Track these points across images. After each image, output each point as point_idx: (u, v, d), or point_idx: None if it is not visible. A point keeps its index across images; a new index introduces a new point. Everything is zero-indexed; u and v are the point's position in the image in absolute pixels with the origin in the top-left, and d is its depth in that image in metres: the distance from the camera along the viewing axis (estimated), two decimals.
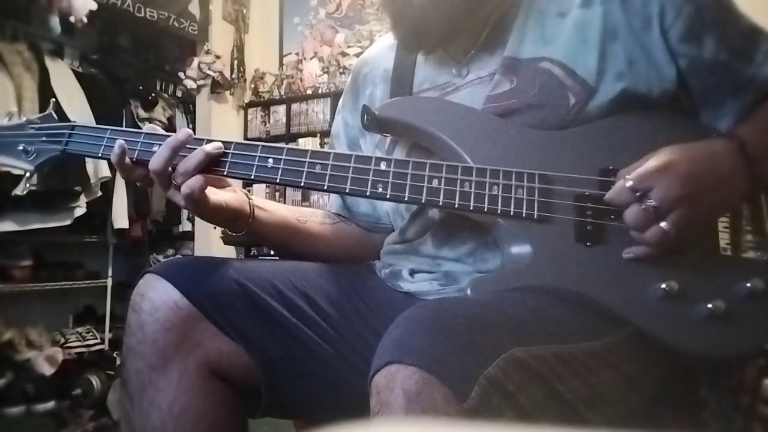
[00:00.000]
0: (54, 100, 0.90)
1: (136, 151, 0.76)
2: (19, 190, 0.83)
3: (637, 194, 0.63)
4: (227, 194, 0.79)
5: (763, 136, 0.69)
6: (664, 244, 0.63)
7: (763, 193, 0.71)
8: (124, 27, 3.19)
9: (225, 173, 0.75)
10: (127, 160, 0.76)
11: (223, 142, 0.76)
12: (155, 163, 0.73)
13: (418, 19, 0.75)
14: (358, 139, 0.95)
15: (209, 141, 0.75)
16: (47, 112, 0.85)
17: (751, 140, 0.67)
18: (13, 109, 0.87)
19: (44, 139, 0.82)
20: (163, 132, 0.78)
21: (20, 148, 0.82)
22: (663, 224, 0.62)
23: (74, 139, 0.81)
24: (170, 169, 0.73)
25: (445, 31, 0.76)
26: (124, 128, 0.80)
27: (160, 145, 0.74)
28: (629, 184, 0.63)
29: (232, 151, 0.75)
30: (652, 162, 0.63)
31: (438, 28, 0.76)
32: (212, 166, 0.75)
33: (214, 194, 0.76)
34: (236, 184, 0.84)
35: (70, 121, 0.84)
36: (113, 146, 0.75)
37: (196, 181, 0.71)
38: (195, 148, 0.74)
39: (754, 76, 0.72)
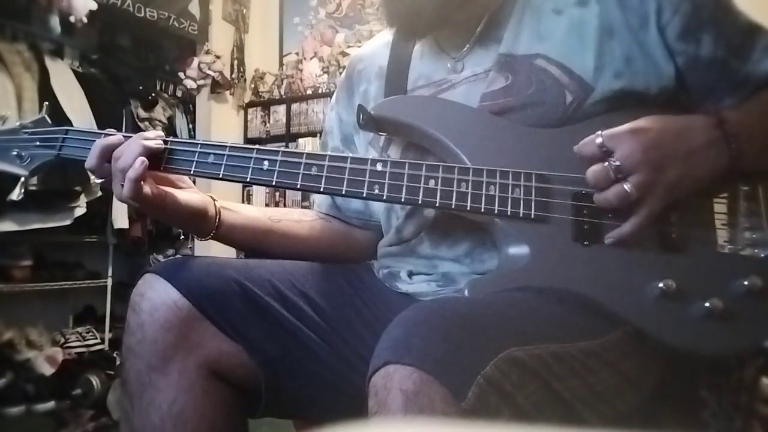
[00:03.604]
0: (47, 103, 0.90)
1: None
2: (15, 196, 0.82)
3: (603, 150, 0.64)
4: (187, 194, 0.78)
5: (745, 117, 0.69)
6: (623, 205, 0.64)
7: (761, 189, 0.71)
8: (124, 27, 3.18)
9: (221, 176, 0.75)
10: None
11: (218, 144, 0.76)
12: (88, 163, 0.75)
13: (412, 1, 0.75)
14: (353, 136, 0.95)
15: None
16: (40, 116, 0.84)
17: (732, 119, 0.67)
18: (6, 112, 0.86)
19: (38, 143, 0.81)
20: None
21: (14, 153, 0.81)
22: (625, 185, 0.63)
23: (68, 143, 0.80)
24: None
25: (438, 14, 0.76)
26: (118, 133, 0.79)
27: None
28: (598, 140, 0.64)
29: (227, 153, 0.75)
30: (626, 125, 0.64)
31: (431, 10, 0.76)
32: (205, 170, 0.75)
33: (172, 193, 0.75)
34: (235, 188, 0.84)
35: (70, 121, 0.84)
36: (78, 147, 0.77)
37: (133, 171, 0.70)
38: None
39: (751, 72, 0.72)
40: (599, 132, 0.65)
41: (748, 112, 0.70)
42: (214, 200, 0.82)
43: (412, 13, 0.77)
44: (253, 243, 0.87)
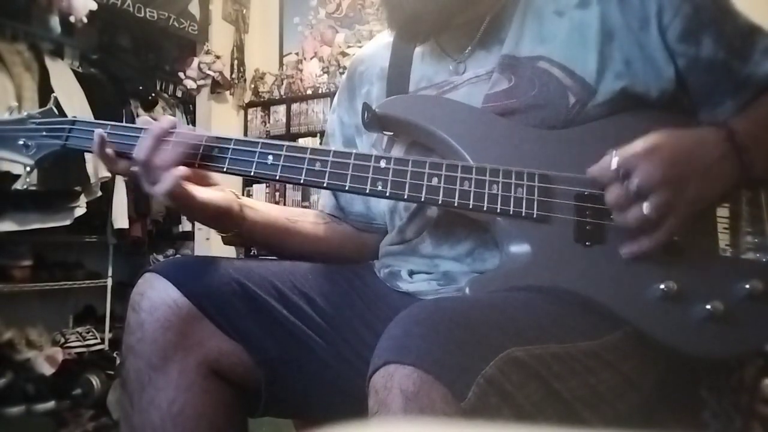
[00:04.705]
0: (54, 95, 0.90)
1: (130, 145, 0.76)
2: (19, 185, 0.83)
3: (621, 173, 0.63)
4: (214, 192, 0.78)
5: (753, 127, 0.69)
6: (644, 226, 0.63)
7: (763, 193, 0.71)
8: (124, 27, 3.19)
9: (225, 169, 0.75)
10: (109, 151, 0.75)
11: (222, 138, 0.75)
12: (139, 152, 0.73)
13: (414, 6, 0.75)
14: (354, 138, 0.95)
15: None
16: (48, 107, 0.85)
17: (741, 130, 0.67)
18: (13, 103, 0.87)
19: (45, 133, 0.82)
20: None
21: (21, 142, 0.81)
22: (644, 206, 0.62)
23: (75, 134, 0.80)
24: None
25: (439, 19, 0.76)
26: (123, 123, 0.79)
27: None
28: (614, 163, 0.63)
29: (232, 147, 0.75)
30: (639, 144, 0.63)
31: (433, 16, 0.76)
32: (211, 163, 0.75)
33: (199, 192, 0.75)
34: (236, 185, 0.84)
35: None
36: (114, 141, 0.76)
37: (170, 174, 0.71)
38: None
39: (751, 74, 0.72)
40: (613, 153, 0.64)
41: (755, 122, 0.70)
42: (238, 198, 0.82)
43: (412, 19, 0.77)
44: (270, 241, 0.87)
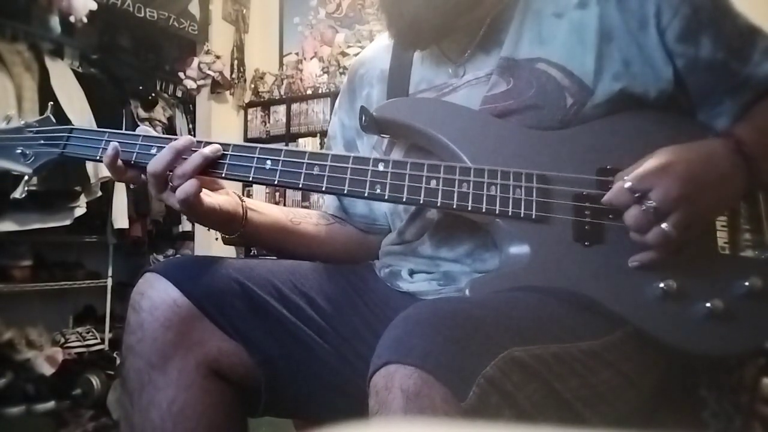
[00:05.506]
0: (52, 103, 0.90)
1: (134, 153, 0.76)
2: (18, 194, 0.83)
3: (636, 195, 0.63)
4: (221, 197, 0.79)
5: (760, 135, 0.69)
6: (666, 245, 0.63)
7: (761, 192, 0.71)
8: (124, 27, 3.19)
9: (223, 175, 0.75)
10: (120, 162, 0.76)
11: (221, 144, 0.76)
12: (155, 165, 0.73)
13: (414, 14, 0.75)
14: (355, 141, 0.95)
15: (207, 144, 0.75)
16: (45, 115, 0.85)
17: (748, 139, 0.67)
18: (11, 112, 0.87)
19: (42, 142, 0.82)
20: (157, 134, 0.78)
21: (18, 151, 0.81)
22: (664, 225, 0.62)
23: (72, 142, 0.81)
24: (168, 172, 0.73)
25: (440, 26, 0.76)
26: (121, 131, 0.79)
27: (158, 147, 0.75)
28: (628, 185, 0.63)
29: (230, 152, 0.75)
30: (651, 163, 0.63)
31: (433, 23, 0.76)
32: (210, 168, 0.75)
33: (207, 197, 0.75)
34: (235, 186, 0.84)
35: (69, 121, 0.84)
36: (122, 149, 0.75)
37: (191, 185, 0.71)
38: (194, 151, 0.74)
39: (751, 75, 0.72)
40: (625, 177, 0.63)
41: (760, 130, 0.70)
42: (242, 201, 0.83)
43: (412, 27, 0.77)
44: (274, 243, 0.88)
